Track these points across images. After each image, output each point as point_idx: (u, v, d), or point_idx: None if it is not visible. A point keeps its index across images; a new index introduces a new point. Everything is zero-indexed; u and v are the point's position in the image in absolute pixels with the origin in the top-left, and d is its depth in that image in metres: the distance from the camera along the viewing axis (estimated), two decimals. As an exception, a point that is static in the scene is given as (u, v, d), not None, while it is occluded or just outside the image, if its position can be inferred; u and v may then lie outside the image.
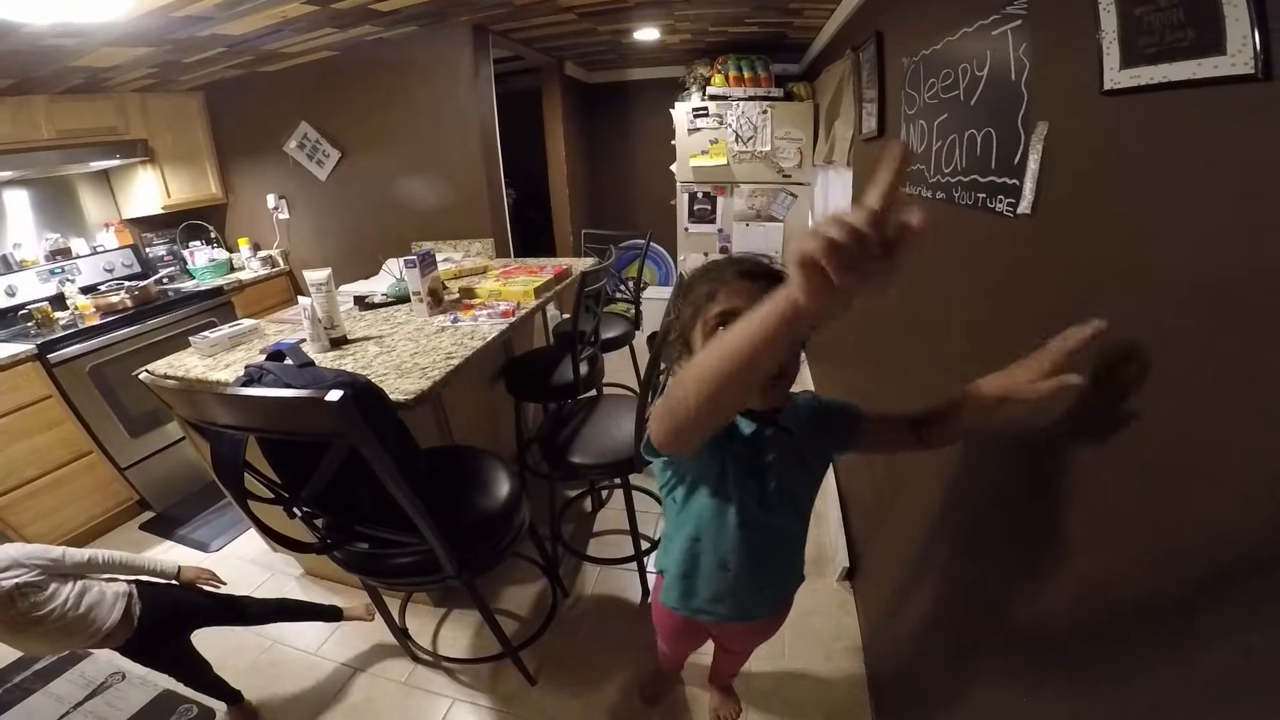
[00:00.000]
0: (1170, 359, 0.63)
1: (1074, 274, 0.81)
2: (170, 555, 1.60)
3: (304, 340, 1.83)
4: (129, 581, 1.52)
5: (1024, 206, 0.92)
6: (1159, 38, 0.61)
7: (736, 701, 1.70)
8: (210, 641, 2.02)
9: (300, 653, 1.98)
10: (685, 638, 1.31)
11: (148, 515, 2.83)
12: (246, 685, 1.77)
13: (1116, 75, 0.69)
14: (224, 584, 1.71)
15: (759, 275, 0.85)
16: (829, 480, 2.56)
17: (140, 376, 1.40)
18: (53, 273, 2.97)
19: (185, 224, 3.60)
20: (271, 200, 3.62)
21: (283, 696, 1.83)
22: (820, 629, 1.93)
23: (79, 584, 1.40)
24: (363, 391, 1.16)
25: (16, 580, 1.28)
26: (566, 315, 3.37)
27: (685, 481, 0.98)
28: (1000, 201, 1.01)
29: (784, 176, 3.52)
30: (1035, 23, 0.91)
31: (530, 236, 4.86)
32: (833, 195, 2.88)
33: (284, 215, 3.67)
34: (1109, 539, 0.73)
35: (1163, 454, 0.64)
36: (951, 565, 1.26)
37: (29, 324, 2.61)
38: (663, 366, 1.67)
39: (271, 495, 1.33)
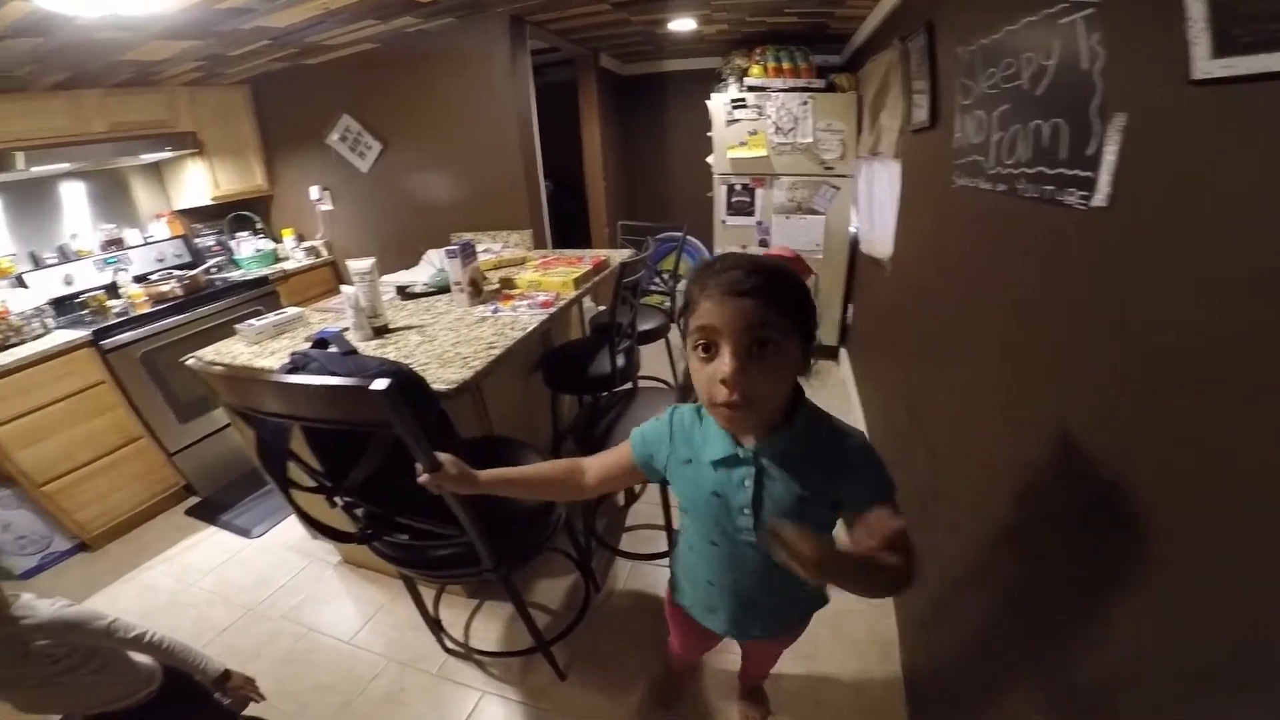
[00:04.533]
0: (1252, 368, 0.59)
1: (1151, 269, 0.76)
2: (215, 653, 1.46)
3: (347, 329, 1.85)
4: (163, 668, 1.40)
5: (1099, 199, 0.87)
6: (1256, 26, 0.57)
7: (765, 704, 1.66)
8: (244, 630, 2.07)
9: (335, 641, 2.01)
10: (695, 636, 1.27)
11: (193, 500, 2.91)
12: (280, 674, 1.79)
13: (1207, 65, 0.64)
14: (263, 698, 1.56)
15: (744, 293, 0.73)
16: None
17: (189, 363, 1.42)
18: (107, 262, 3.07)
19: (232, 214, 3.68)
20: (315, 191, 3.68)
21: (316, 684, 1.85)
22: (856, 631, 1.88)
23: (106, 654, 1.29)
24: (406, 381, 1.16)
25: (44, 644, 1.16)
26: (602, 307, 3.36)
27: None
28: (1071, 194, 0.96)
29: (826, 168, 3.43)
30: (1110, 10, 0.86)
31: (565, 228, 4.86)
32: (877, 187, 2.79)
33: (327, 206, 3.73)
34: (1172, 554, 0.69)
35: (1238, 471, 0.60)
36: (997, 573, 1.21)
37: (84, 311, 2.72)
38: None
39: (314, 484, 1.34)
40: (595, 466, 1.04)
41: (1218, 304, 0.64)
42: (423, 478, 1.00)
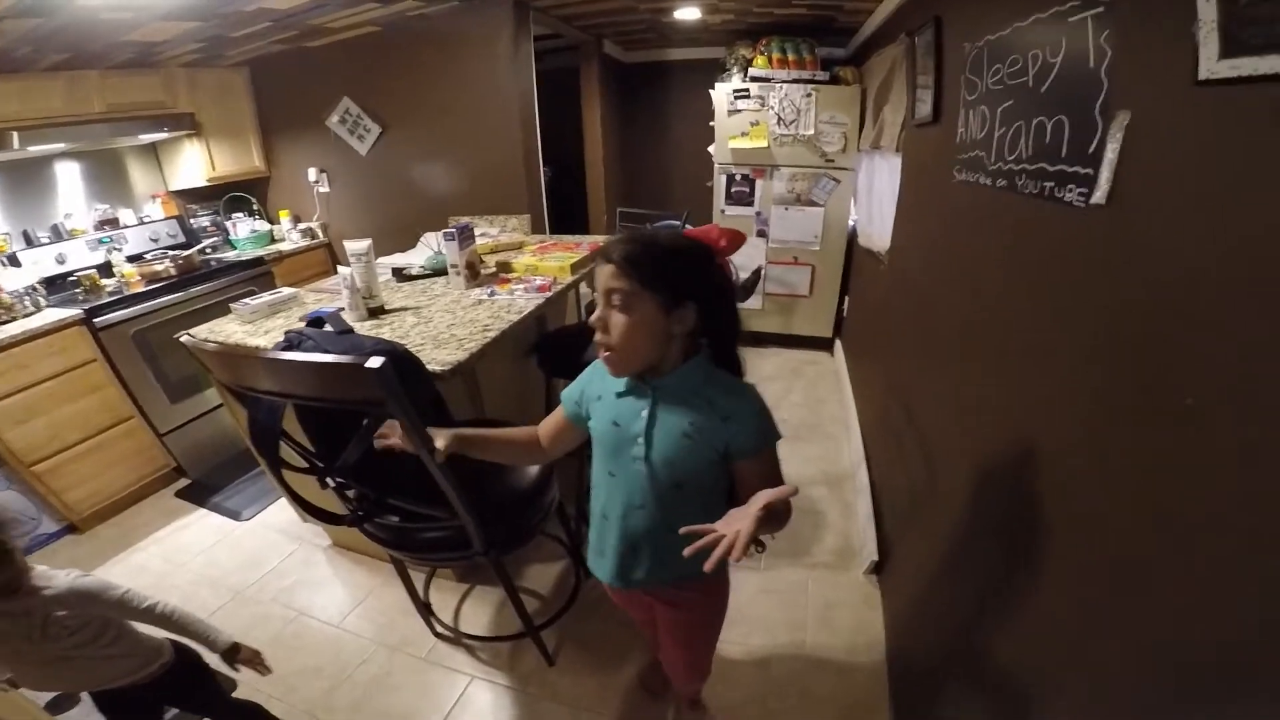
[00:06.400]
0: (1251, 368, 0.59)
1: (1151, 268, 0.76)
2: (228, 626, 1.44)
3: (342, 309, 1.83)
4: (171, 643, 1.39)
5: (1098, 196, 0.88)
6: (1267, 28, 0.58)
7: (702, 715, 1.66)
8: (233, 613, 2.07)
9: (324, 624, 2.01)
10: (622, 600, 1.28)
11: (183, 482, 2.89)
12: (268, 656, 1.74)
13: (1214, 66, 0.65)
14: (270, 670, 1.48)
15: (608, 260, 0.89)
16: (860, 472, 2.50)
17: (183, 339, 1.40)
18: (101, 242, 3.04)
19: (229, 196, 3.65)
20: (313, 173, 3.65)
21: (304, 667, 1.85)
22: (843, 621, 1.90)
23: (119, 626, 1.28)
24: (401, 360, 1.15)
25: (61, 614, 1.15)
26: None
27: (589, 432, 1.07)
28: (1070, 190, 0.96)
29: (827, 161, 3.42)
30: (1120, 10, 0.86)
31: (563, 214, 4.82)
32: (878, 181, 2.78)
33: (324, 188, 3.70)
34: (1167, 558, 0.69)
35: (1234, 470, 0.60)
36: (986, 569, 1.22)
37: (77, 290, 2.69)
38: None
39: (306, 465, 1.33)
40: (544, 428, 1.16)
41: (1214, 302, 0.65)
42: (379, 435, 1.09)
